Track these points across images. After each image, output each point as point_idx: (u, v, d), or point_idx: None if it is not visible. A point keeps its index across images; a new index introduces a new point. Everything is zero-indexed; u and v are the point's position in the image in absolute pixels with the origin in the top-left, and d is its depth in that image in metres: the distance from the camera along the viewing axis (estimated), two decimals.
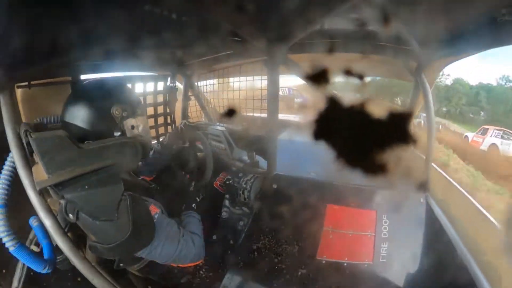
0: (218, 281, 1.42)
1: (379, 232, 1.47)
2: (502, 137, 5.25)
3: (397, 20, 1.16)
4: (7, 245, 1.12)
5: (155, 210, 1.22)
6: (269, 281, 1.45)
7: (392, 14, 1.08)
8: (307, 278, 1.46)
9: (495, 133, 5.34)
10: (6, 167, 1.16)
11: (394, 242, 1.46)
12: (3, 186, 1.15)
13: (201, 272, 1.48)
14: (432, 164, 1.56)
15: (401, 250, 1.46)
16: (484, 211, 1.24)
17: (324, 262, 1.46)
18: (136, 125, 1.29)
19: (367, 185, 1.53)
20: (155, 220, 1.19)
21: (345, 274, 1.44)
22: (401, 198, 1.44)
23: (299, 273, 1.46)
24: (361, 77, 1.02)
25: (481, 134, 5.52)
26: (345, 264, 1.46)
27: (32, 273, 1.21)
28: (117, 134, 1.25)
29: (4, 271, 1.19)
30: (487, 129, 5.46)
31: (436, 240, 1.40)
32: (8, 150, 1.12)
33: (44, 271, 1.17)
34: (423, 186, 1.51)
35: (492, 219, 1.21)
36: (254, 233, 1.55)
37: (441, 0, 1.03)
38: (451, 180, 1.46)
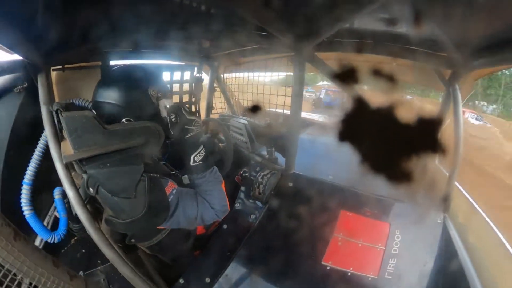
0: (222, 269, 1.46)
1: (389, 247, 1.39)
2: None
3: (431, 22, 1.06)
4: (25, 212, 1.29)
5: (172, 186, 1.27)
6: (270, 277, 1.46)
7: (426, 15, 0.99)
8: (309, 280, 1.44)
9: None
10: (40, 144, 1.30)
11: (403, 259, 1.37)
12: (34, 166, 1.30)
13: (208, 257, 1.53)
14: (456, 183, 1.42)
15: (408, 269, 1.37)
16: (508, 246, 1.10)
17: (329, 268, 1.42)
18: (169, 106, 1.36)
19: (384, 196, 1.45)
20: (172, 197, 1.25)
21: (348, 283, 1.39)
22: (418, 215, 1.34)
23: (302, 274, 1.44)
24: (390, 80, 0.96)
25: None
26: (349, 274, 1.41)
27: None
28: (152, 113, 1.30)
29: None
30: None
31: (448, 265, 1.29)
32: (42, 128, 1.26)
33: (49, 241, 1.32)
34: (442, 206, 1.39)
35: None
36: (264, 228, 1.55)
37: (481, 3, 0.92)
38: (475, 203, 1.32)
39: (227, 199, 1.41)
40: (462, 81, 1.33)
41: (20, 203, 1.29)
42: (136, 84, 1.29)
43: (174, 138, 1.38)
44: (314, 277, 1.44)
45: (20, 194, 1.30)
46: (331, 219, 1.48)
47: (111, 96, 1.26)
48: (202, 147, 1.39)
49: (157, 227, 1.31)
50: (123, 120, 1.25)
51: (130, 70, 1.38)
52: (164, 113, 1.34)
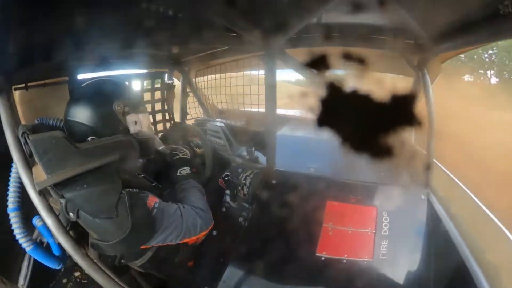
0: (219, 275, 1.44)
1: (379, 229, 1.45)
2: None
3: (397, 10, 1.12)
4: (23, 245, 1.18)
5: (154, 200, 1.23)
6: (268, 276, 1.47)
7: (391, 2, 1.04)
8: (306, 273, 1.47)
9: None
10: (14, 169, 1.19)
11: (395, 239, 1.44)
12: (15, 189, 1.19)
13: (202, 267, 1.51)
14: (434, 160, 1.52)
15: (401, 248, 1.45)
16: (487, 210, 1.20)
17: (323, 258, 1.46)
18: (138, 121, 1.31)
19: (367, 182, 1.51)
20: (155, 211, 1.21)
21: (345, 270, 1.43)
22: (402, 194, 1.41)
23: (299, 268, 1.46)
24: (360, 66, 1.00)
25: None
26: (345, 261, 1.45)
27: (37, 271, 1.25)
28: (120, 130, 1.26)
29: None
30: None
31: (437, 238, 1.37)
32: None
33: (59, 267, 1.23)
34: (424, 182, 1.48)
35: (494, 218, 1.17)
36: (254, 229, 1.55)
37: None
38: (453, 177, 1.42)
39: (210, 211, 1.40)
40: (430, 65, 1.42)
41: None
42: (100, 100, 1.25)
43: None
44: (311, 269, 1.47)
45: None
46: (318, 211, 1.51)
47: (76, 114, 1.22)
48: (188, 167, 1.49)
49: (145, 246, 1.25)
50: (89, 138, 1.21)
51: (95, 85, 1.33)
52: (132, 129, 1.30)
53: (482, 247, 1.21)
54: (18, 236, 1.17)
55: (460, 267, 1.23)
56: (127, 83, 1.52)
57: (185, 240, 1.28)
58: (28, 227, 1.20)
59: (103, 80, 1.42)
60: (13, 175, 1.20)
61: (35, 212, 1.16)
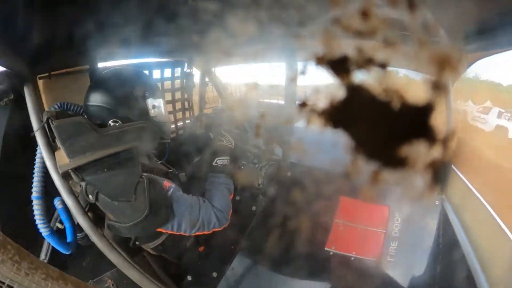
0: (228, 262, 1.48)
1: (389, 230, 1.44)
2: None
3: (424, 8, 1.05)
4: (41, 230, 1.26)
5: (168, 184, 1.27)
6: (276, 266, 1.50)
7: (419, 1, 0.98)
8: (314, 266, 1.48)
9: None
10: (39, 157, 1.26)
11: (403, 242, 1.42)
12: (39, 178, 1.26)
13: (212, 252, 1.55)
14: (452, 166, 1.46)
15: (409, 251, 1.43)
16: (502, 224, 1.15)
17: (332, 253, 1.47)
18: (157, 105, 1.36)
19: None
20: (169, 194, 1.25)
21: (351, 267, 1.44)
22: (416, 198, 1.38)
23: (306, 261, 1.48)
24: (383, 66, 0.96)
25: None
26: (353, 258, 1.46)
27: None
28: (140, 113, 1.32)
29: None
30: None
31: (446, 246, 1.34)
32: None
33: (68, 253, 1.31)
34: (440, 188, 1.43)
35: (508, 232, 1.13)
36: (265, 219, 1.57)
37: None
38: (470, 185, 1.36)
39: (230, 210, 1.41)
40: (452, 66, 1.33)
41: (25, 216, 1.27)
42: (120, 84, 1.30)
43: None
44: (318, 263, 1.48)
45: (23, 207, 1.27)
46: (331, 206, 1.51)
47: (97, 99, 1.27)
48: (228, 158, 1.46)
49: (161, 230, 1.30)
50: (110, 121, 1.27)
51: (116, 71, 1.37)
52: (152, 113, 1.35)
53: (492, 261, 1.17)
54: (37, 222, 1.25)
55: (467, 279, 1.20)
56: (146, 71, 1.55)
57: (198, 233, 1.33)
58: (48, 215, 1.28)
59: (124, 67, 1.47)
60: (37, 164, 1.26)
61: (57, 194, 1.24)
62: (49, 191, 1.24)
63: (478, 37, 1.07)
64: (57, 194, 1.21)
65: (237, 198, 1.68)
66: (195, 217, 1.29)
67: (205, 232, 1.34)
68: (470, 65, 1.36)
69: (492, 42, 1.09)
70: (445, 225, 1.41)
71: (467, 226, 1.34)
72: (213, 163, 1.43)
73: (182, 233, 1.29)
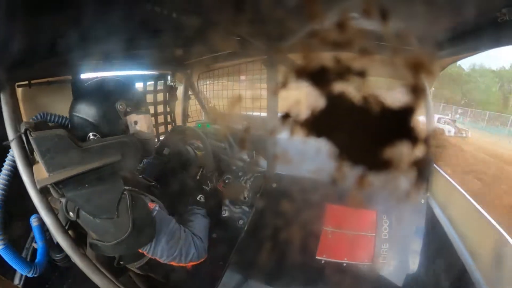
0: (217, 278, 1.43)
1: (379, 233, 1.47)
2: None
3: (397, 19, 1.15)
4: None
5: (152, 205, 1.22)
6: (268, 280, 1.46)
7: (392, 12, 1.06)
8: (306, 276, 1.46)
9: None
10: (6, 166, 1.17)
11: (394, 243, 1.45)
12: (1, 186, 1.17)
13: (201, 270, 1.49)
14: (434, 165, 1.54)
15: (401, 252, 1.46)
16: (487, 215, 1.22)
17: (323, 262, 1.46)
18: (139, 121, 1.31)
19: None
20: (155, 213, 1.20)
21: (345, 274, 1.43)
22: (401, 198, 1.43)
23: (299, 272, 1.46)
24: (361, 75, 1.01)
25: None
26: (345, 264, 1.45)
27: None
28: (121, 129, 1.27)
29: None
30: None
31: (437, 242, 1.39)
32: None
33: (29, 275, 1.18)
34: (424, 187, 1.50)
35: (494, 223, 1.20)
36: (253, 232, 1.54)
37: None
38: (453, 181, 1.44)
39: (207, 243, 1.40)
40: (427, 71, 1.44)
41: None
42: (103, 98, 1.25)
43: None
44: (310, 272, 1.47)
45: None
46: (318, 214, 1.52)
47: (79, 109, 1.22)
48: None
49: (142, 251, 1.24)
50: (90, 134, 1.21)
51: (100, 83, 1.32)
52: (132, 129, 1.29)
53: (481, 250, 1.22)
54: None
55: (459, 270, 1.24)
56: (131, 83, 1.53)
57: (172, 263, 1.27)
58: (6, 227, 1.17)
59: (109, 78, 1.42)
60: (3, 171, 1.18)
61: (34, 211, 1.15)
62: (27, 207, 1.15)
63: (450, 43, 1.17)
64: (35, 211, 1.12)
65: (224, 213, 1.65)
66: (174, 245, 1.24)
67: (181, 264, 1.29)
68: (443, 68, 1.48)
69: (463, 47, 1.20)
70: (432, 221, 1.46)
71: (454, 219, 1.40)
72: (197, 198, 1.48)
73: (158, 258, 1.23)
